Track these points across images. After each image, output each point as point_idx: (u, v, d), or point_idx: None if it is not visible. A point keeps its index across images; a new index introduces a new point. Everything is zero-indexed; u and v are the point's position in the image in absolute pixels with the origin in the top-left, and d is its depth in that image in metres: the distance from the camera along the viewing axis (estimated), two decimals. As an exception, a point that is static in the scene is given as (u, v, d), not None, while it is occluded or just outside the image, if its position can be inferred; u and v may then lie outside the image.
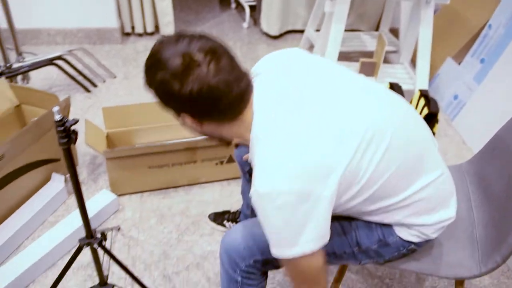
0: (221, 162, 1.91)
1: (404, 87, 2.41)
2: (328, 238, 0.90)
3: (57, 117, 0.91)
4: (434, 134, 2.25)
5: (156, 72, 0.85)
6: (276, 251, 0.90)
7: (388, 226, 1.05)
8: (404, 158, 0.93)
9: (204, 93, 0.84)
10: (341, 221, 1.08)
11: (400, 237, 1.04)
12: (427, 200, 0.99)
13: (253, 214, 1.54)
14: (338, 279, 1.34)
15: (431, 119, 2.19)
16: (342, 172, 0.85)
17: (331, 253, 1.08)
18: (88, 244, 1.20)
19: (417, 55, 2.37)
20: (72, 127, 0.95)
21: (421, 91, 2.26)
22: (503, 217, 1.11)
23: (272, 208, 0.84)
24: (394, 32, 3.07)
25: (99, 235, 1.22)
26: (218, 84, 0.84)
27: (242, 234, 1.08)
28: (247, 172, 1.43)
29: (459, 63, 2.58)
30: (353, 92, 0.94)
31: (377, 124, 0.90)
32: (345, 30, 3.27)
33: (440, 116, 2.52)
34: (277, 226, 0.86)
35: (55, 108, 0.90)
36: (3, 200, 1.62)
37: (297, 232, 0.86)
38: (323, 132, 0.86)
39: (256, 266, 1.08)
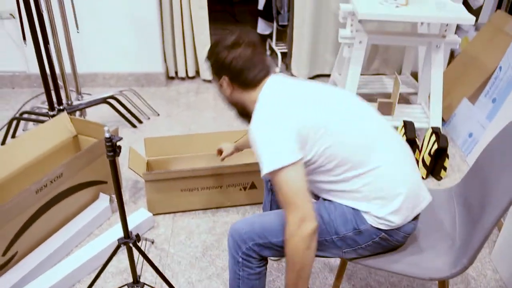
0: (244, 188, 2.15)
1: (420, 125, 2.60)
2: (297, 158, 1.19)
3: (107, 135, 1.20)
4: (445, 168, 2.41)
5: (215, 47, 1.34)
6: (266, 170, 1.19)
7: (360, 216, 1.27)
8: (352, 146, 1.25)
9: (238, 63, 1.30)
10: (322, 214, 1.30)
11: (371, 225, 1.26)
12: (370, 186, 1.25)
13: None
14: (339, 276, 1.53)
15: (441, 153, 2.36)
16: (300, 125, 1.22)
17: None
18: (125, 244, 1.46)
19: (430, 95, 2.57)
20: (117, 143, 1.24)
21: (433, 128, 2.45)
22: (474, 226, 1.29)
23: (258, 133, 1.22)
24: (415, 75, 3.28)
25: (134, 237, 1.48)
26: (248, 61, 1.31)
27: (245, 222, 1.35)
28: (270, 189, 1.71)
29: (474, 103, 2.75)
30: (341, 102, 1.31)
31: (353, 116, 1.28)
32: (371, 74, 3.52)
33: (456, 153, 2.67)
34: (262, 145, 1.21)
35: (106, 128, 1.19)
36: (58, 212, 1.93)
37: (273, 147, 1.19)
38: (299, 105, 1.26)
39: (254, 249, 1.32)
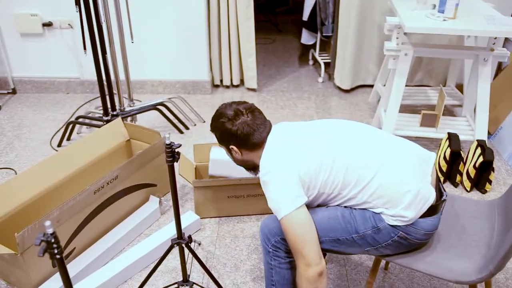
0: (288, 195, 2.21)
1: (464, 137, 2.58)
2: (299, 204, 1.32)
3: (167, 141, 1.29)
4: (490, 181, 2.38)
5: (219, 119, 1.46)
6: (277, 216, 1.34)
7: (378, 215, 1.36)
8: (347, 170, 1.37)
9: (244, 131, 1.42)
10: (343, 213, 1.40)
11: (387, 223, 1.34)
12: (375, 194, 1.35)
13: None
14: (370, 280, 1.56)
15: (487, 166, 2.34)
16: (301, 172, 1.36)
17: (335, 239, 1.40)
18: (178, 244, 1.55)
19: (476, 108, 2.55)
20: (176, 150, 1.33)
21: (478, 141, 2.43)
22: (505, 236, 1.30)
23: (263, 185, 1.37)
24: (460, 87, 3.25)
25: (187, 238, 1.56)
26: (251, 127, 1.43)
27: (274, 218, 1.48)
28: None
29: (522, 117, 2.71)
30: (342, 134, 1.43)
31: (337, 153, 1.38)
32: (415, 86, 3.51)
33: (501, 166, 2.63)
34: (268, 196, 1.36)
35: (167, 135, 1.28)
36: (113, 212, 2.05)
37: (279, 199, 1.33)
38: (294, 151, 1.39)
39: (282, 242, 1.44)
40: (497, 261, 1.26)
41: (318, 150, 1.38)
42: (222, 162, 2.05)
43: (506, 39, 3.22)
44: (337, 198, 1.41)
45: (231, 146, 1.48)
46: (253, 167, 1.56)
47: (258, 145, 1.46)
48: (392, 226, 1.35)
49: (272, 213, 2.11)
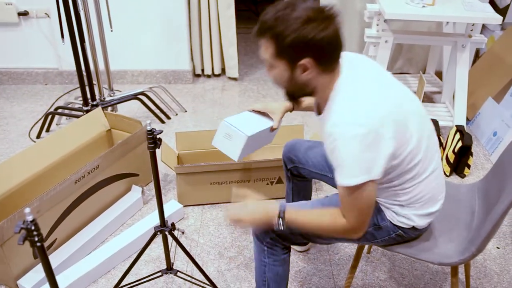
0: (271, 183, 2.22)
1: (444, 123, 2.62)
2: (378, 176, 1.13)
3: (148, 128, 1.28)
4: (469, 166, 2.43)
5: (295, 21, 1.06)
6: (346, 180, 1.13)
7: (381, 212, 1.33)
8: (427, 146, 1.23)
9: (334, 42, 1.10)
10: None
11: (390, 222, 1.33)
12: (428, 190, 1.27)
13: None
14: (355, 264, 1.58)
15: (465, 151, 2.38)
16: (394, 128, 1.13)
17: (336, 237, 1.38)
18: (161, 231, 1.54)
19: (455, 94, 2.59)
20: (158, 136, 1.32)
21: (457, 126, 2.47)
22: (485, 218, 1.34)
23: (349, 137, 1.08)
24: (439, 74, 3.30)
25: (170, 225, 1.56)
26: (341, 38, 1.12)
27: None
28: (289, 170, 1.75)
29: (499, 102, 2.76)
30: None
31: (419, 112, 1.23)
32: (395, 73, 3.54)
33: (480, 151, 2.69)
34: (351, 155, 1.09)
35: (148, 121, 1.27)
36: (94, 202, 2.03)
37: (362, 162, 1.10)
38: (388, 100, 1.16)
39: (278, 239, 1.38)
40: (478, 242, 1.28)
41: (410, 120, 1.17)
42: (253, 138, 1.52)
43: (484, 26, 3.27)
44: (394, 188, 1.26)
45: (304, 61, 1.10)
46: (307, 94, 1.23)
47: (332, 67, 1.14)
48: (393, 225, 1.34)
49: None
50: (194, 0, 3.24)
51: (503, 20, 3.15)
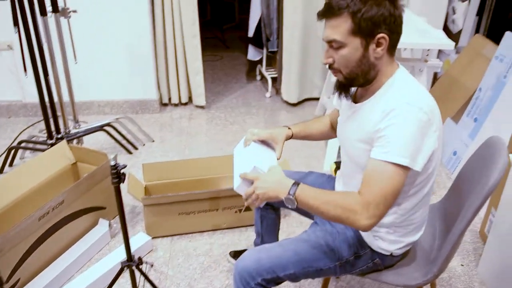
0: (240, 210, 2.22)
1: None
2: (419, 168, 1.14)
3: (112, 162, 1.28)
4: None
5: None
6: (391, 157, 1.11)
7: (362, 241, 1.35)
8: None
9: (402, 17, 1.16)
10: (327, 240, 1.36)
11: (370, 249, 1.34)
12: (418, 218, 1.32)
13: (262, 242, 1.83)
14: None
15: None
16: (439, 126, 1.18)
17: (318, 269, 1.35)
18: (128, 266, 1.52)
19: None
20: (121, 170, 1.32)
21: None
22: (447, 237, 1.39)
23: (411, 118, 1.11)
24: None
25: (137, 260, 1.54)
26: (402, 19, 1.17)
27: (251, 259, 1.33)
28: (258, 206, 1.74)
29: (457, 123, 2.87)
30: None
31: None
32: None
33: (442, 171, 2.77)
34: (407, 134, 1.11)
35: (111, 156, 1.27)
36: (60, 239, 1.99)
37: (413, 146, 1.11)
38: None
39: (263, 284, 1.32)
40: (439, 263, 1.33)
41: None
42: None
43: (440, 50, 3.42)
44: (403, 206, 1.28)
45: (380, 35, 1.14)
46: (368, 79, 1.22)
47: (395, 52, 1.20)
48: (372, 252, 1.35)
49: (243, 250, 2.04)
50: (159, 29, 3.28)
51: (456, 45, 3.31)
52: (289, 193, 1.18)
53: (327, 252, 1.35)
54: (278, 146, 1.52)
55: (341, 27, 1.14)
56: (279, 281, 1.35)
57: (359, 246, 1.36)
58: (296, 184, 1.19)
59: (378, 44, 1.16)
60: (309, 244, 1.36)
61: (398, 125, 1.12)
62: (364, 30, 1.13)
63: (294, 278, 1.36)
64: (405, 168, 1.12)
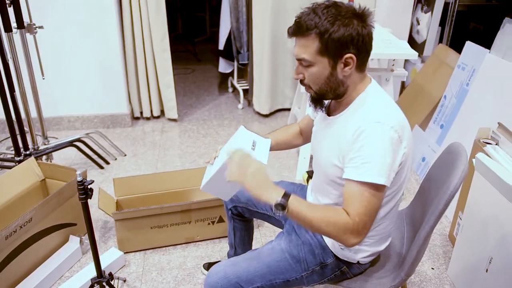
0: (212, 222, 2.22)
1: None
2: (389, 182, 1.17)
3: (79, 178, 1.27)
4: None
5: (344, 15, 1.13)
6: (371, 177, 1.13)
7: (326, 249, 1.36)
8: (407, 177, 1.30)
9: (370, 38, 1.19)
10: (292, 252, 1.38)
11: (336, 257, 1.36)
12: (384, 228, 1.34)
13: (235, 254, 1.83)
14: None
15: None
16: (409, 142, 1.21)
17: (285, 281, 1.36)
18: (98, 283, 1.50)
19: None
20: (89, 186, 1.31)
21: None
22: (411, 243, 1.42)
23: (383, 137, 1.14)
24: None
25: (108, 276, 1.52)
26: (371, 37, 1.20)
27: (218, 276, 1.33)
28: (230, 209, 1.75)
29: (425, 130, 2.95)
30: None
31: None
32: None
33: (411, 177, 2.84)
34: (381, 154, 1.14)
35: (78, 172, 1.26)
36: (29, 256, 1.94)
37: (387, 165, 1.14)
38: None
39: None
40: (406, 267, 1.35)
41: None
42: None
43: (407, 60, 3.51)
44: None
45: (347, 55, 1.16)
46: (338, 95, 1.24)
47: (365, 68, 1.23)
48: (338, 261, 1.37)
49: (208, 249, 2.04)
50: (129, 43, 3.27)
51: (422, 54, 3.41)
52: (282, 198, 1.16)
53: (292, 264, 1.36)
54: None
55: (309, 47, 1.17)
56: None
57: (324, 255, 1.38)
58: (288, 193, 1.18)
59: (346, 64, 1.18)
60: (274, 257, 1.37)
61: (371, 145, 1.15)
62: (332, 51, 1.16)
63: None
64: (383, 186, 1.16)
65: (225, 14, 3.73)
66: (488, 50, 2.52)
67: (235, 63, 3.87)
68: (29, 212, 1.89)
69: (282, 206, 1.14)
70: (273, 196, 1.16)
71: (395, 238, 1.60)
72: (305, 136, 1.65)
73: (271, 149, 1.55)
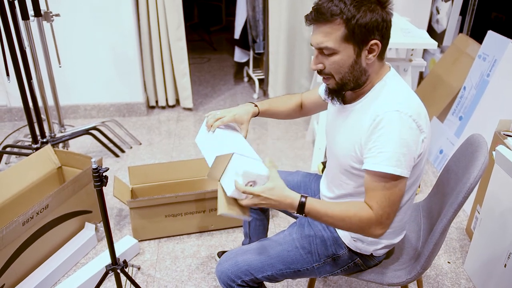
0: (227, 211, 2.22)
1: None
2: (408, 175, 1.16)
3: (94, 166, 1.27)
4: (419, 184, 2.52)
5: (371, 5, 1.11)
6: (390, 168, 1.11)
7: (339, 241, 1.35)
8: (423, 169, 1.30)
9: (391, 22, 1.16)
10: (303, 244, 1.37)
11: (349, 249, 1.34)
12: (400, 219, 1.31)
13: (250, 243, 1.82)
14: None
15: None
16: (428, 135, 1.18)
17: (296, 271, 1.36)
18: (112, 270, 1.51)
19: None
20: (104, 173, 1.31)
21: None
22: (428, 236, 1.39)
23: (402, 126, 1.11)
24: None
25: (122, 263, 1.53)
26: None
27: (230, 263, 1.35)
28: None
29: (443, 121, 2.90)
30: None
31: None
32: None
33: (428, 169, 2.79)
34: (401, 144, 1.11)
35: (93, 160, 1.26)
36: (45, 243, 1.97)
37: (403, 155, 1.11)
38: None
39: (243, 285, 1.34)
40: (423, 261, 1.33)
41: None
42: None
43: (425, 50, 3.45)
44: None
45: (373, 42, 1.13)
46: (359, 84, 1.21)
47: (384, 55, 1.20)
48: (351, 252, 1.35)
49: (222, 238, 2.05)
50: (144, 32, 3.27)
51: (441, 44, 3.34)
52: (298, 208, 1.18)
53: (303, 255, 1.36)
54: (243, 126, 1.46)
55: (333, 34, 1.12)
56: (258, 281, 1.36)
57: (336, 246, 1.36)
58: (303, 201, 1.18)
59: (371, 50, 1.15)
60: (285, 247, 1.36)
61: (389, 134, 1.11)
62: (358, 37, 1.12)
63: (273, 279, 1.37)
64: (403, 177, 1.14)
65: (241, 3, 3.70)
66: (511, 40, 2.45)
67: (251, 53, 3.84)
68: (46, 198, 1.90)
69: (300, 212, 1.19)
70: (293, 204, 1.19)
71: (411, 231, 1.57)
72: (305, 110, 1.60)
73: (266, 115, 1.53)
